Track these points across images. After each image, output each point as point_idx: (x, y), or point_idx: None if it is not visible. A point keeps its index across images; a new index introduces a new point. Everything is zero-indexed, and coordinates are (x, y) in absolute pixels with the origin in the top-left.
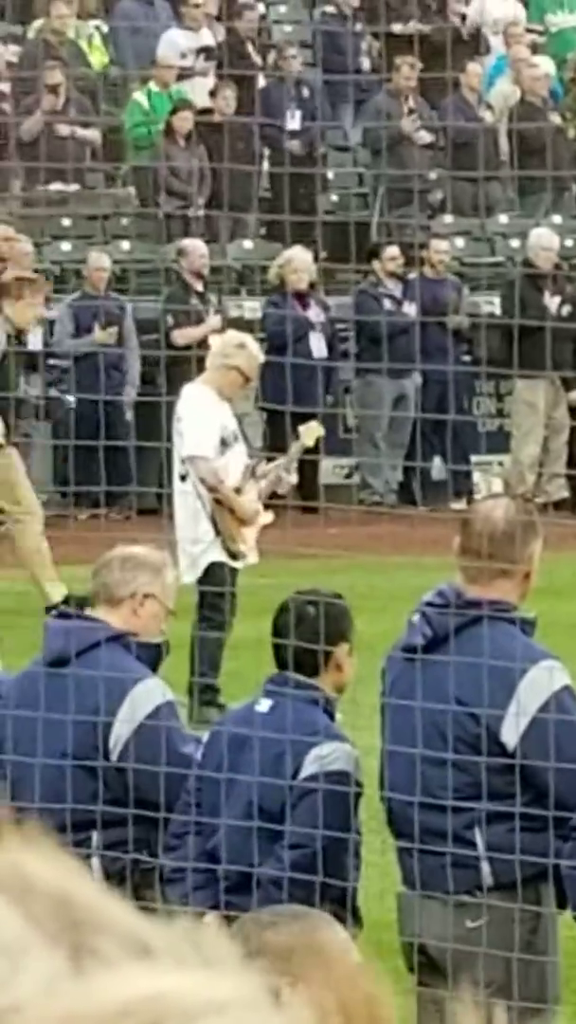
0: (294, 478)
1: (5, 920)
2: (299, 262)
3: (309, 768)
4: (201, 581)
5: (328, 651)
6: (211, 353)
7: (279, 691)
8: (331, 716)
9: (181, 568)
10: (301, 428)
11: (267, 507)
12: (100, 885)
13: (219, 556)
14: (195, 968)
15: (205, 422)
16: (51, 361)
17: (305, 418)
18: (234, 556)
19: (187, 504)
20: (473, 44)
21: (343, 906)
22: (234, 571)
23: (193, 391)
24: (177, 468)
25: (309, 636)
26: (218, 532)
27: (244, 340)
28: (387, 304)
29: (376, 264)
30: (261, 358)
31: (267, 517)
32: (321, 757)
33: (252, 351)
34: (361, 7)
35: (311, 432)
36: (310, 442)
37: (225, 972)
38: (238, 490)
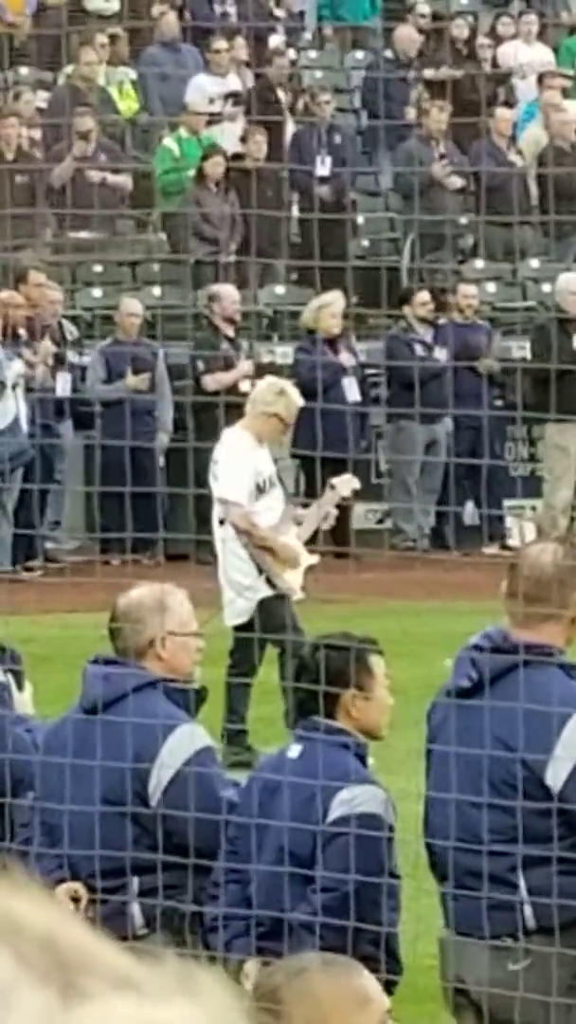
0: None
1: None
2: (336, 306)
3: (336, 812)
4: (257, 618)
5: (332, 697)
6: (251, 399)
7: (308, 736)
8: (362, 760)
9: (226, 612)
10: (335, 480)
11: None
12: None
13: (268, 591)
14: (179, 1000)
15: (240, 467)
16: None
17: (340, 464)
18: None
19: (227, 547)
20: (504, 89)
21: (379, 949)
22: (287, 600)
23: (232, 436)
24: (216, 512)
25: (310, 682)
26: (260, 572)
27: (284, 387)
28: (418, 349)
29: (407, 309)
30: (300, 403)
31: (313, 559)
32: (347, 801)
33: (292, 398)
34: (395, 50)
35: (345, 484)
36: (345, 492)
37: (208, 1002)
38: (275, 532)
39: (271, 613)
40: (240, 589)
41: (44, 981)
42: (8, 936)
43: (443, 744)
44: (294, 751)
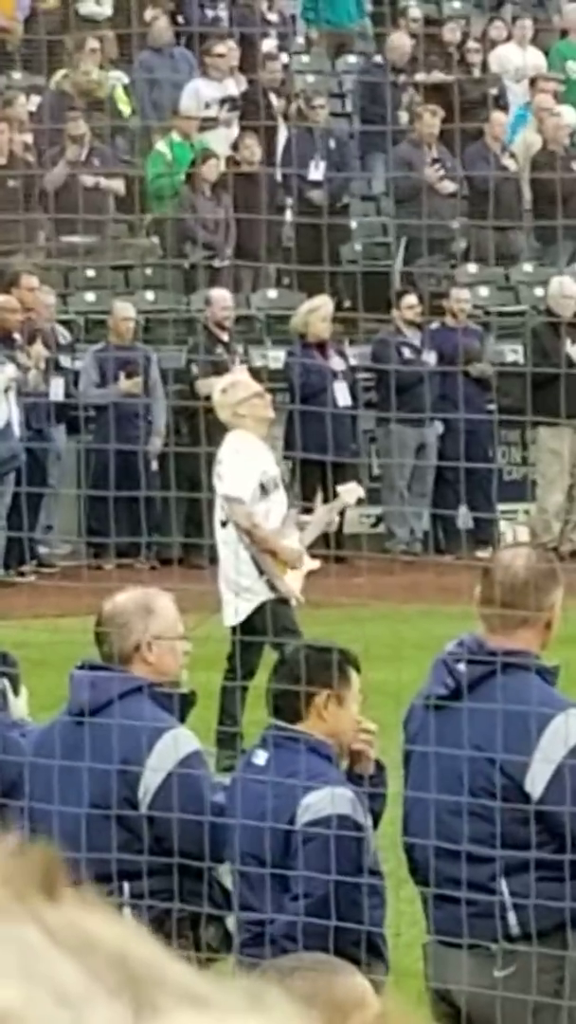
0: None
1: (68, 974)
2: (326, 310)
3: (301, 818)
4: (256, 621)
5: (306, 698)
6: (222, 409)
7: (274, 741)
8: (332, 761)
9: (224, 613)
10: (341, 488)
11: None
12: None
13: (269, 594)
14: (250, 1015)
15: (245, 465)
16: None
17: (333, 468)
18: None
19: (229, 549)
20: (495, 93)
21: (360, 949)
22: (288, 604)
23: (234, 437)
24: (218, 514)
25: (286, 683)
26: (261, 573)
27: (224, 386)
28: (406, 353)
29: (394, 313)
30: (243, 393)
31: (313, 564)
32: (311, 805)
33: (232, 395)
34: (386, 57)
35: (351, 493)
36: (350, 500)
37: (279, 1018)
38: (277, 534)
39: (276, 616)
40: (239, 590)
41: (116, 996)
42: (81, 951)
43: (421, 752)
44: (259, 757)
